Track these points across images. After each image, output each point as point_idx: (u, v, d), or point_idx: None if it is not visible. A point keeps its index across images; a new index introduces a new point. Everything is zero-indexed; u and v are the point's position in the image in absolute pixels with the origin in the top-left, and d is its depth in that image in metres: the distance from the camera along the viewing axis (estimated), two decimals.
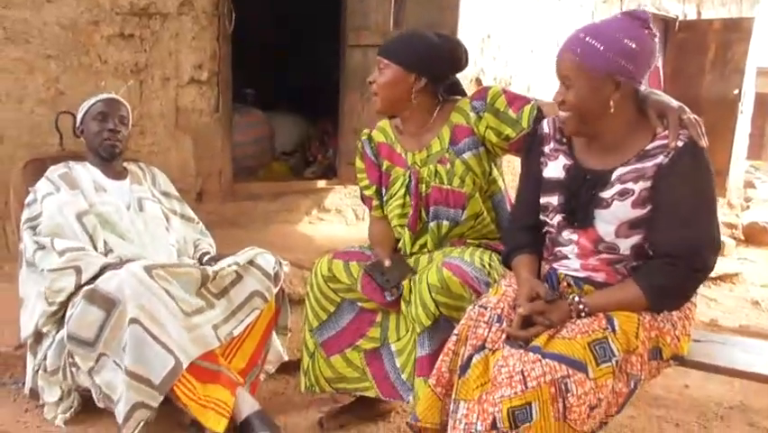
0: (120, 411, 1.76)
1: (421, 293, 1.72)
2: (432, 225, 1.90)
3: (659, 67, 5.80)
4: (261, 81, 5.03)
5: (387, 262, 1.88)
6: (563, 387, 1.29)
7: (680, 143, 1.39)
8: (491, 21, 4.10)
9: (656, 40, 1.42)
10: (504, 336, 1.42)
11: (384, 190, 2.00)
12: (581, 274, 1.52)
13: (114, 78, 2.75)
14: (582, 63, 1.38)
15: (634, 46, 1.37)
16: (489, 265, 1.77)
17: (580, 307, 1.41)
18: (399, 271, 1.86)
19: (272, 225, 3.37)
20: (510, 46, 4.24)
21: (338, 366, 1.98)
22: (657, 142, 1.41)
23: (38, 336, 1.98)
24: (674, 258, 1.39)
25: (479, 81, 4.02)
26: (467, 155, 1.85)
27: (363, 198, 2.11)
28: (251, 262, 2.03)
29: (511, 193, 1.92)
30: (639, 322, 1.41)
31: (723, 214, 5.89)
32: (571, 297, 1.44)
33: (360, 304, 1.93)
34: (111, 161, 2.18)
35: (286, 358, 2.18)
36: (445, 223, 1.88)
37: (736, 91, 5.49)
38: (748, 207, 6.68)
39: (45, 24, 2.59)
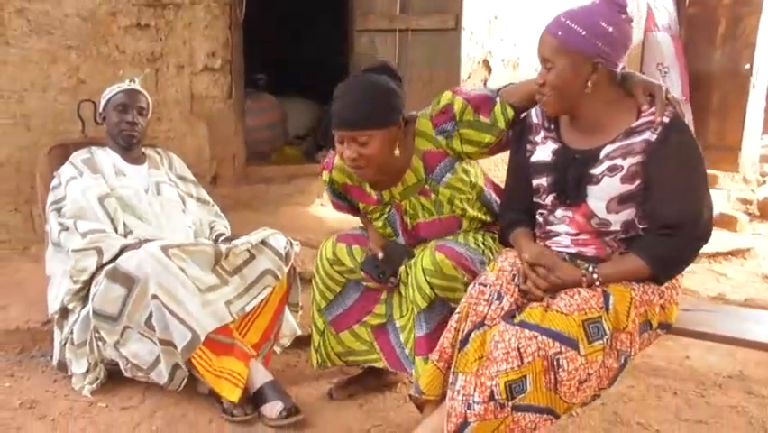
0: (162, 372, 1.92)
1: (416, 276, 1.77)
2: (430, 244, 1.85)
3: (680, 39, 5.78)
4: (273, 66, 5.12)
5: (380, 255, 1.90)
6: (555, 362, 1.38)
7: (665, 119, 1.46)
8: (498, 2, 4.12)
9: (632, 24, 1.49)
10: (502, 313, 1.50)
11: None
12: (573, 250, 1.59)
13: (132, 67, 2.85)
14: (562, 45, 1.46)
15: (611, 30, 1.45)
16: (484, 244, 1.83)
17: (594, 276, 1.48)
18: (394, 259, 1.90)
19: (285, 207, 3.46)
20: (518, 27, 4.26)
21: (347, 341, 2.06)
22: (643, 119, 1.48)
23: (64, 312, 2.11)
24: (674, 228, 1.47)
25: (486, 63, 4.05)
26: (447, 177, 1.82)
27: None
28: (263, 242, 2.13)
29: (494, 177, 1.99)
30: (631, 301, 1.48)
31: (738, 189, 5.87)
32: (584, 267, 1.51)
33: (364, 284, 2.00)
34: (130, 148, 2.29)
35: (299, 332, 2.29)
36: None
37: (748, 66, 5.45)
38: (765, 181, 6.63)
39: (66, 16, 2.70)
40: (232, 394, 1.87)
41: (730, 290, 3.74)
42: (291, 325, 2.25)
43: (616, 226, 1.54)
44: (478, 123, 1.74)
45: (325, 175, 1.99)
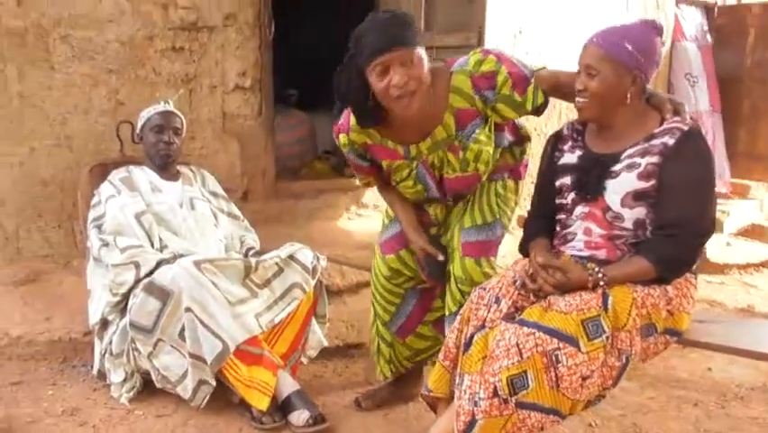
0: (188, 387, 2.00)
1: (451, 283, 1.88)
2: (450, 201, 1.96)
3: (709, 50, 5.76)
4: (304, 81, 5.24)
5: (440, 257, 1.92)
6: (554, 358, 1.45)
7: (685, 127, 1.57)
8: (523, 16, 4.17)
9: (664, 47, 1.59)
10: (501, 315, 1.58)
11: (385, 175, 1.98)
12: (585, 253, 1.67)
13: (167, 88, 2.98)
14: (608, 55, 1.57)
15: (650, 48, 1.58)
16: (498, 205, 1.94)
17: (599, 276, 1.55)
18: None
19: (314, 222, 3.55)
20: (543, 40, 4.30)
21: (413, 344, 2.13)
22: (665, 126, 1.60)
23: (104, 324, 2.22)
24: (676, 227, 1.55)
25: None
26: (477, 133, 1.82)
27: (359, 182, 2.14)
28: (291, 257, 2.23)
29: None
30: (633, 301, 1.54)
31: None
32: (591, 268, 1.58)
33: (420, 287, 2.07)
34: (165, 166, 2.41)
35: (326, 344, 2.37)
36: (463, 193, 1.95)
37: None
38: None
39: (107, 42, 2.84)
40: (261, 403, 1.96)
41: (760, 302, 3.71)
42: (318, 337, 2.34)
43: (628, 224, 1.62)
44: (511, 99, 1.78)
45: (343, 138, 1.91)
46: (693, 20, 5.72)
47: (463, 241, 1.89)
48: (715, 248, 4.68)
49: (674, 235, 1.56)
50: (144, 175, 2.41)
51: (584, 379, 1.46)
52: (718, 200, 5.67)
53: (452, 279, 1.89)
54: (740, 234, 5.21)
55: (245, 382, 1.99)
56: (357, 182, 2.11)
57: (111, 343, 2.18)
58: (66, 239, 2.85)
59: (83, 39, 2.80)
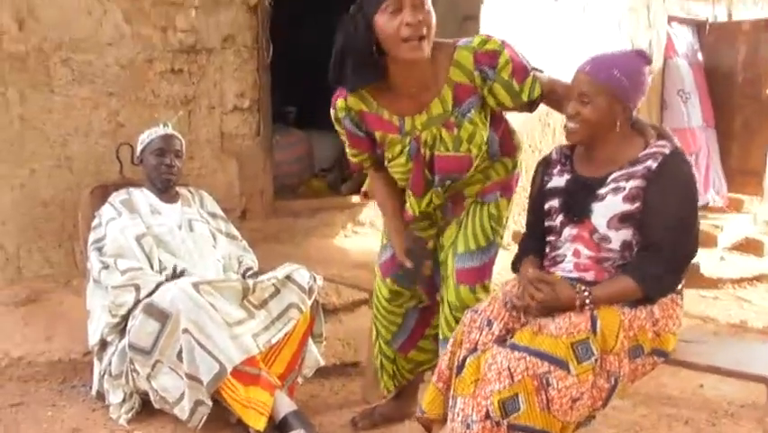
0: (185, 408, 2.02)
1: (443, 308, 1.92)
2: (439, 188, 1.90)
3: (700, 66, 5.84)
4: (302, 98, 5.30)
5: (408, 264, 1.99)
6: (545, 381, 1.48)
7: (667, 151, 1.63)
8: (516, 33, 4.23)
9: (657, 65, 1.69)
10: (493, 337, 1.62)
11: (379, 152, 1.95)
12: (574, 275, 1.71)
13: (166, 110, 3.03)
14: (602, 85, 1.62)
15: (641, 79, 1.65)
16: (491, 227, 1.94)
17: (585, 294, 1.59)
18: (419, 266, 2.04)
19: (311, 240, 3.59)
20: (537, 58, 4.37)
21: (415, 357, 2.17)
22: (648, 150, 1.66)
23: (103, 345, 2.25)
24: (660, 247, 1.60)
25: None
26: (472, 113, 1.81)
27: (351, 163, 2.08)
28: (288, 277, 2.26)
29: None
30: (620, 324, 1.58)
31: (764, 213, 5.83)
32: (578, 287, 1.62)
33: (420, 306, 2.11)
34: (166, 189, 2.46)
35: (322, 363, 2.40)
36: (449, 183, 1.89)
37: None
38: None
39: (107, 66, 2.89)
40: (258, 423, 1.99)
41: (754, 317, 3.74)
42: (314, 356, 2.36)
43: (615, 245, 1.66)
44: (509, 85, 1.80)
45: (341, 102, 1.86)
46: (685, 37, 5.80)
47: (457, 268, 1.91)
48: (709, 262, 4.71)
49: (659, 255, 1.61)
50: (144, 197, 2.44)
51: (574, 401, 1.50)
52: (715, 215, 5.77)
53: (446, 305, 1.92)
54: (734, 248, 5.25)
55: (243, 402, 2.02)
56: (350, 158, 2.05)
57: (110, 364, 2.21)
58: (66, 259, 2.88)
59: (83, 62, 2.85)
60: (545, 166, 1.87)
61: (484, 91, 1.82)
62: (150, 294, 2.15)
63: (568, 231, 1.74)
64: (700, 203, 5.65)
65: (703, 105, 5.68)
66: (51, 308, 2.69)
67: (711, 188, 5.67)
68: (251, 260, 2.59)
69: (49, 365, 2.44)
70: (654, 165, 1.62)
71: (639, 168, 1.64)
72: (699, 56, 5.87)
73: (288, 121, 4.94)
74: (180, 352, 2.02)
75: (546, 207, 1.81)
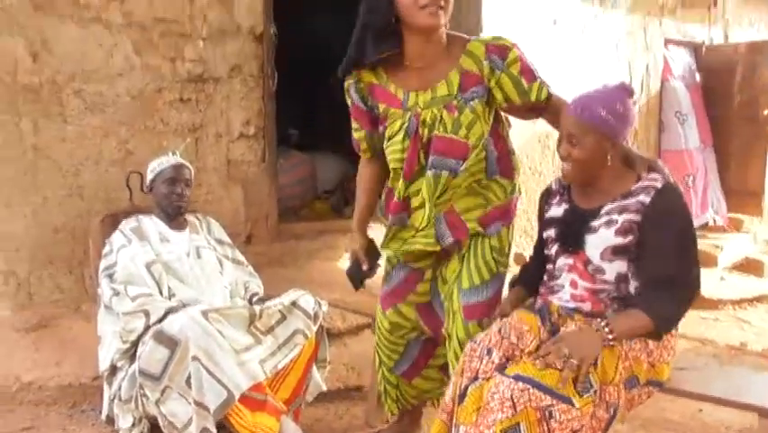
0: None
1: (452, 344, 1.96)
2: (430, 173, 1.87)
3: (698, 88, 5.93)
4: (304, 121, 5.40)
5: (365, 266, 2.11)
6: (548, 414, 1.52)
7: (659, 185, 1.70)
8: None
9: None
10: (494, 366, 1.67)
11: (381, 130, 1.97)
12: (571, 305, 1.76)
13: (175, 138, 3.12)
14: (588, 125, 1.68)
15: (625, 112, 1.69)
16: (495, 259, 1.97)
17: (606, 331, 1.61)
18: (372, 267, 2.14)
19: (314, 262, 3.65)
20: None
21: (420, 385, 2.21)
22: (640, 184, 1.71)
23: (113, 370, 2.30)
24: (672, 279, 1.64)
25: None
26: (475, 102, 1.84)
27: (353, 140, 2.09)
28: (293, 304, 2.32)
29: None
30: (619, 356, 1.63)
31: (764, 232, 5.88)
32: (597, 322, 1.65)
33: (423, 338, 2.15)
34: (177, 217, 2.52)
35: (324, 389, 2.44)
36: (444, 173, 1.87)
37: (766, 112, 5.56)
38: None
39: (118, 96, 2.98)
40: None
41: (753, 339, 3.77)
42: (316, 381, 2.41)
43: (610, 277, 1.71)
44: (517, 81, 1.85)
45: (354, 72, 1.93)
46: (682, 59, 5.90)
47: (464, 304, 1.94)
48: (709, 283, 4.75)
49: (671, 290, 1.64)
50: (153, 225, 2.51)
51: (574, 432, 1.54)
52: (715, 234, 5.81)
53: (455, 340, 1.94)
54: (734, 268, 5.29)
55: (249, 427, 2.06)
56: (353, 133, 2.08)
57: (120, 389, 2.25)
58: (76, 284, 2.95)
59: (95, 93, 2.94)
60: (547, 196, 1.94)
61: (491, 82, 1.85)
62: (160, 320, 2.20)
63: (563, 261, 1.80)
64: (698, 223, 5.73)
65: (700, 125, 5.76)
66: (61, 333, 2.75)
67: (710, 208, 5.73)
68: (256, 285, 2.65)
69: (59, 390, 2.49)
70: (647, 200, 1.67)
71: (632, 201, 1.69)
72: (697, 77, 5.96)
73: (290, 143, 5.03)
74: (189, 378, 2.07)
75: (545, 235, 1.89)
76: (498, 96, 1.87)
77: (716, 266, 5.17)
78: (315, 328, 2.33)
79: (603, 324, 1.63)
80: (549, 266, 1.87)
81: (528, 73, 1.87)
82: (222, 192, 3.34)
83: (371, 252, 2.16)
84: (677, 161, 5.46)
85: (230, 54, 3.29)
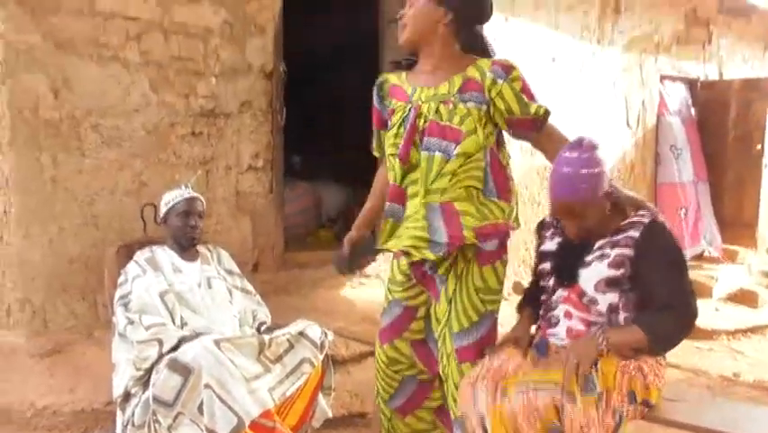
0: None
1: (449, 387, 2.05)
2: (424, 155, 1.95)
3: (693, 123, 6.09)
4: (307, 147, 5.54)
5: (345, 251, 2.26)
6: (560, 407, 1.65)
7: (646, 220, 1.84)
8: None
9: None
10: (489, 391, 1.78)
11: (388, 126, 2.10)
12: (567, 342, 1.87)
13: (186, 170, 3.25)
14: (579, 203, 1.82)
15: (600, 172, 1.83)
16: (482, 302, 2.03)
17: (601, 342, 1.74)
18: (356, 257, 2.28)
19: (318, 291, 3.75)
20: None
21: (412, 424, 2.27)
22: (629, 221, 1.86)
23: (126, 396, 2.38)
24: (673, 306, 1.76)
25: None
26: (470, 104, 1.95)
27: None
28: (301, 333, 2.41)
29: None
30: (617, 366, 1.75)
31: (759, 263, 5.99)
32: (593, 330, 1.79)
33: (419, 378, 2.22)
34: (190, 247, 2.63)
35: (330, 415, 2.52)
36: (437, 155, 1.93)
37: (759, 146, 5.72)
38: None
39: (133, 130, 3.12)
40: None
41: (747, 369, 3.84)
42: (322, 408, 2.49)
43: (603, 308, 1.84)
44: (518, 94, 1.95)
45: (381, 77, 2.15)
46: (678, 95, 6.07)
47: (457, 347, 2.02)
48: (703, 313, 4.82)
49: (669, 315, 1.76)
50: (166, 256, 2.61)
51: (581, 427, 1.64)
52: (710, 265, 5.90)
53: (451, 383, 2.02)
54: (729, 298, 5.37)
55: None
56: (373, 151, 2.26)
57: (133, 415, 2.33)
58: (89, 311, 3.05)
59: (112, 127, 3.08)
60: (541, 228, 2.08)
61: (492, 93, 1.95)
62: (173, 349, 2.30)
63: (559, 293, 1.94)
64: (690, 254, 5.81)
65: (695, 159, 5.91)
66: (75, 359, 2.84)
67: (702, 239, 5.85)
68: (264, 314, 2.74)
69: (73, 415, 2.57)
70: (637, 234, 1.81)
71: (622, 237, 1.84)
72: (692, 112, 6.13)
73: (294, 171, 5.17)
74: (201, 405, 2.16)
75: (540, 268, 2.02)
76: (501, 105, 1.95)
77: (710, 297, 5.27)
78: (321, 357, 2.43)
79: (599, 332, 1.76)
80: (544, 297, 2.00)
81: (528, 92, 1.98)
82: (231, 222, 3.45)
83: (363, 247, 2.28)
84: (671, 194, 5.60)
85: (241, 90, 3.44)
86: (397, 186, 2.02)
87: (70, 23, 2.92)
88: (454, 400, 2.00)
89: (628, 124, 5.80)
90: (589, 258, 1.86)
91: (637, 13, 5.74)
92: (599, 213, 1.85)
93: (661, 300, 1.77)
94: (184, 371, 2.19)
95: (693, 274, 5.41)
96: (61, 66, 2.94)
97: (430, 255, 1.97)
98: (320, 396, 2.49)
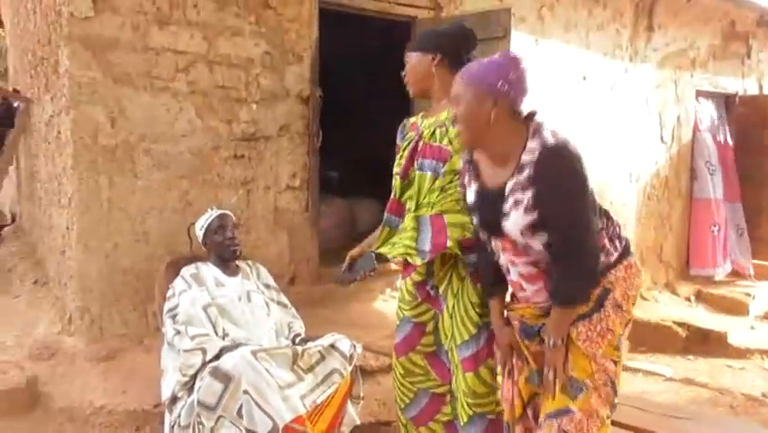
0: None
1: (459, 394, 2.21)
2: (418, 174, 2.21)
3: (729, 141, 6.07)
4: (345, 164, 5.73)
5: (345, 264, 2.48)
6: (564, 430, 1.77)
7: (537, 153, 1.70)
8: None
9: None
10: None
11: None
12: (542, 297, 1.85)
13: (228, 190, 3.50)
14: (466, 82, 1.79)
15: (501, 68, 1.76)
16: (476, 312, 2.18)
17: (553, 342, 1.78)
18: (356, 270, 2.47)
19: (352, 304, 3.94)
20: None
21: None
22: (525, 157, 1.73)
23: (174, 399, 2.63)
24: (563, 257, 1.72)
25: None
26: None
27: None
28: (332, 346, 2.61)
29: None
30: (585, 349, 1.80)
31: None
32: (546, 341, 1.80)
33: (432, 391, 2.38)
34: (233, 260, 2.86)
35: (358, 422, 2.70)
36: (428, 174, 2.17)
37: None
38: None
39: (180, 153, 3.38)
40: None
41: None
42: (351, 415, 2.67)
43: (538, 247, 1.76)
44: None
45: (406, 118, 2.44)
46: (711, 112, 6.07)
47: (461, 358, 2.20)
48: (738, 331, 4.82)
49: (568, 270, 1.73)
50: (210, 271, 2.85)
51: (589, 417, 1.76)
52: (745, 282, 5.87)
53: (460, 392, 2.20)
54: (765, 317, 5.34)
55: None
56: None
57: (179, 416, 2.56)
58: (140, 321, 3.31)
59: (161, 151, 3.35)
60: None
61: None
62: (216, 357, 2.52)
63: (495, 243, 1.88)
64: (722, 273, 5.73)
65: (725, 179, 5.89)
66: (127, 364, 3.10)
67: (729, 257, 5.81)
68: (299, 326, 2.95)
69: (125, 414, 2.82)
70: (532, 172, 1.69)
71: (523, 176, 1.71)
72: (723, 130, 6.11)
73: (330, 186, 5.36)
74: (240, 409, 2.37)
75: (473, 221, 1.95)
76: None
77: (747, 314, 5.24)
78: (350, 368, 2.61)
79: (550, 342, 1.78)
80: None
81: None
82: (269, 238, 3.68)
83: (362, 262, 2.48)
84: (705, 210, 5.59)
85: (279, 115, 3.67)
86: (396, 199, 2.33)
87: (126, 58, 3.20)
88: (462, 408, 2.16)
89: (662, 140, 5.82)
90: (506, 207, 1.75)
91: (671, 30, 5.77)
92: (488, 120, 1.75)
93: (555, 251, 1.72)
94: (225, 378, 2.41)
95: (729, 292, 5.45)
96: (118, 97, 3.22)
97: (417, 260, 2.17)
98: (349, 404, 2.67)
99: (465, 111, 1.79)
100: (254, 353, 2.44)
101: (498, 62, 1.78)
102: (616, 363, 1.82)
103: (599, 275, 1.79)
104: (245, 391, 2.35)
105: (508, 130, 1.77)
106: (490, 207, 1.80)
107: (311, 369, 2.55)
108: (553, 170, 1.68)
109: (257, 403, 2.33)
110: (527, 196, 1.70)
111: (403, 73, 2.29)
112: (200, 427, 2.48)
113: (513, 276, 1.89)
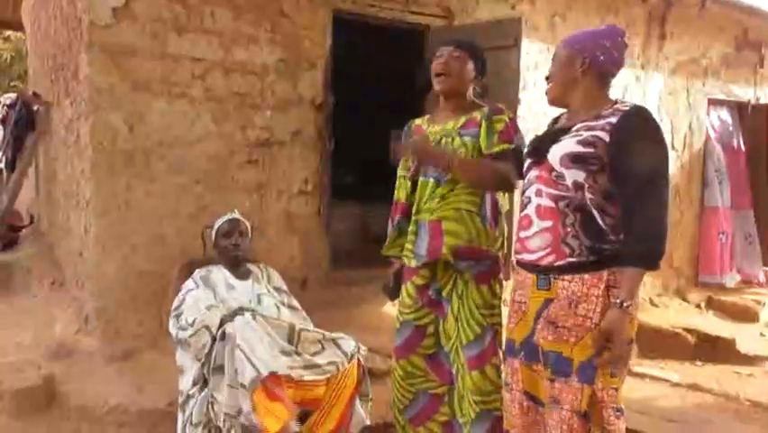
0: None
1: (465, 391, 2.27)
2: (422, 180, 2.33)
3: (741, 149, 6.07)
4: (360, 168, 5.79)
5: (390, 281, 2.63)
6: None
7: (627, 108, 1.81)
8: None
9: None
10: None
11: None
12: (532, 240, 1.90)
13: (242, 194, 3.57)
14: (565, 43, 1.93)
15: (600, 37, 1.88)
16: (482, 315, 2.27)
17: (618, 302, 1.73)
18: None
19: (364, 307, 3.98)
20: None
21: None
22: (611, 108, 1.83)
23: (186, 398, 2.69)
24: (638, 210, 1.71)
25: None
26: (467, 138, 2.26)
27: None
28: (334, 341, 2.64)
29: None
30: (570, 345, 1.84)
31: None
32: (613, 300, 1.74)
33: (430, 392, 2.46)
34: (236, 265, 2.92)
35: (367, 422, 2.74)
36: (431, 180, 2.29)
37: None
38: None
39: (196, 158, 3.47)
40: (273, 427, 2.25)
41: None
42: (359, 414, 2.70)
43: (569, 182, 1.82)
44: (491, 134, 2.22)
45: (410, 122, 2.54)
46: (723, 120, 6.06)
47: (467, 357, 2.28)
48: (747, 338, 4.81)
49: (644, 232, 1.73)
50: (221, 274, 2.90)
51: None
52: (756, 289, 5.86)
53: (466, 391, 2.27)
54: None
55: (266, 409, 2.28)
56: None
57: (191, 414, 2.62)
58: (155, 321, 3.38)
59: (177, 156, 3.43)
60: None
61: (484, 122, 2.25)
62: (219, 326, 2.53)
63: (532, 173, 1.94)
64: (730, 281, 5.73)
65: (735, 188, 5.88)
66: (141, 364, 3.17)
67: (734, 267, 5.80)
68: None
69: (139, 414, 2.89)
70: (614, 120, 1.77)
71: (601, 122, 1.80)
72: (736, 138, 6.10)
73: (344, 188, 5.42)
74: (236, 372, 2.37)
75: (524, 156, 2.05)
76: (482, 139, 2.24)
77: (757, 321, 5.23)
78: (347, 365, 2.62)
79: (618, 301, 1.73)
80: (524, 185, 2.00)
81: (506, 134, 2.23)
82: (281, 241, 3.75)
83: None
84: (714, 217, 5.59)
85: (292, 121, 3.74)
86: (403, 202, 2.43)
87: (144, 65, 3.29)
88: (468, 405, 2.23)
89: (674, 148, 5.83)
90: (564, 136, 1.85)
91: (684, 38, 5.78)
92: (575, 78, 1.87)
93: (628, 211, 1.74)
94: (229, 339, 2.42)
95: (740, 299, 5.44)
96: (136, 103, 3.31)
97: (413, 263, 2.32)
98: (359, 405, 2.71)
99: (556, 67, 1.90)
100: (253, 315, 2.50)
101: (598, 31, 1.91)
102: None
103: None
104: (238, 346, 2.36)
105: (593, 94, 1.87)
106: (550, 136, 1.91)
107: (309, 354, 2.57)
108: (639, 125, 1.77)
109: (246, 355, 2.34)
110: (587, 133, 1.79)
111: (437, 66, 2.32)
112: (214, 406, 2.48)
113: (529, 209, 1.92)
